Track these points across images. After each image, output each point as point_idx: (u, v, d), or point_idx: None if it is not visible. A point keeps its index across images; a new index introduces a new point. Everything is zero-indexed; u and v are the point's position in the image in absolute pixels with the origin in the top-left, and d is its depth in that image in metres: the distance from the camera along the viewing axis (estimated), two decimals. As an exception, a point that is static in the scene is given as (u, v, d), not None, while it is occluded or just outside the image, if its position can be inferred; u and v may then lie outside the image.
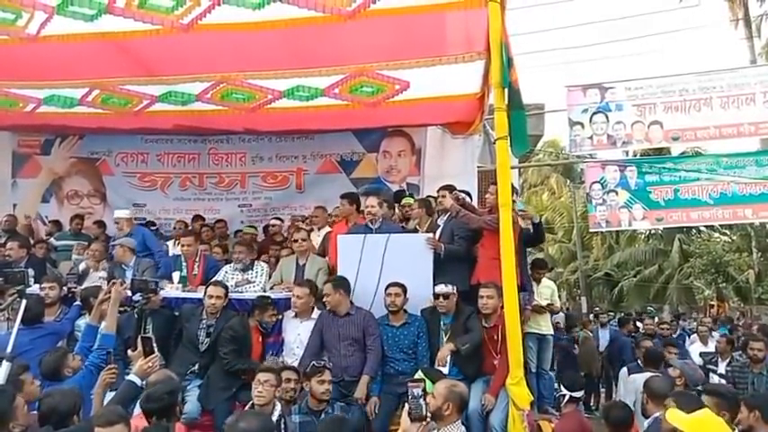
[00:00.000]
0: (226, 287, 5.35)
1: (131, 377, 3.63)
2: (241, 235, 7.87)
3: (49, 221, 8.47)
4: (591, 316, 14.78)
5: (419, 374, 3.96)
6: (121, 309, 4.62)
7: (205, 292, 5.26)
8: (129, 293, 5.25)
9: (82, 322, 5.23)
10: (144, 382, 3.56)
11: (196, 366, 5.07)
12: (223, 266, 6.27)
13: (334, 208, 7.27)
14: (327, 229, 6.84)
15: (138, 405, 3.50)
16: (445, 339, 4.89)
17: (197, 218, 8.22)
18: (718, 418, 2.88)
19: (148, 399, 3.18)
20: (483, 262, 5.27)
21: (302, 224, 7.18)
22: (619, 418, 4.07)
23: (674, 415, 2.79)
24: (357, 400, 4.62)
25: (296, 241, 6.09)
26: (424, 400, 3.09)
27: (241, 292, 5.74)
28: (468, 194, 6.24)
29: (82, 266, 6.56)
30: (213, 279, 5.78)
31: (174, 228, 8.14)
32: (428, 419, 3.23)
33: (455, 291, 4.96)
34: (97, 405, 3.62)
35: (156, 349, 3.80)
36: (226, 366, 4.94)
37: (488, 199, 5.69)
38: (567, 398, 4.74)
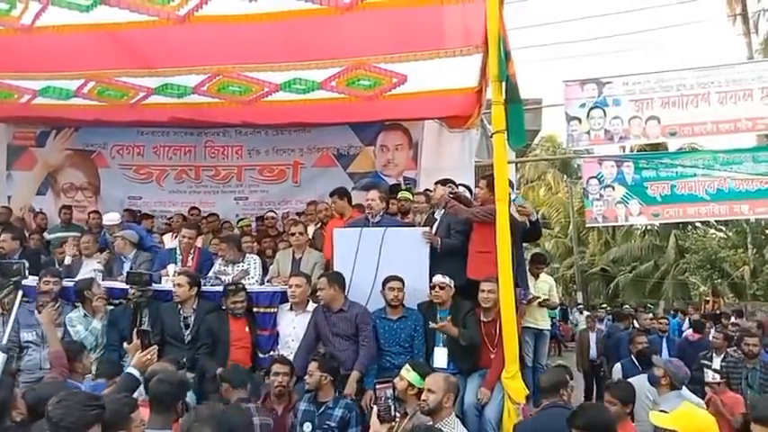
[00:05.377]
0: (192, 276, 5.33)
1: (130, 369, 3.60)
2: (228, 225, 7.88)
3: (35, 214, 8.32)
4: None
5: (406, 367, 3.91)
6: (116, 302, 4.60)
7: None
8: (126, 286, 5.25)
9: (74, 315, 5.21)
10: (142, 375, 3.54)
11: (184, 359, 5.03)
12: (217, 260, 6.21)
13: (321, 203, 7.17)
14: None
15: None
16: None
17: (193, 209, 8.19)
18: (700, 408, 2.95)
19: (160, 381, 3.10)
20: (471, 255, 5.25)
21: (298, 218, 7.13)
22: (623, 389, 4.04)
23: (656, 417, 2.87)
24: (348, 396, 4.52)
25: (293, 235, 6.06)
26: (393, 401, 3.06)
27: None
28: (469, 189, 6.21)
29: (67, 260, 6.45)
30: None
31: (171, 220, 8.11)
32: (397, 420, 3.20)
33: (452, 284, 4.95)
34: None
35: (152, 341, 3.79)
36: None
37: (478, 194, 5.68)
38: None
